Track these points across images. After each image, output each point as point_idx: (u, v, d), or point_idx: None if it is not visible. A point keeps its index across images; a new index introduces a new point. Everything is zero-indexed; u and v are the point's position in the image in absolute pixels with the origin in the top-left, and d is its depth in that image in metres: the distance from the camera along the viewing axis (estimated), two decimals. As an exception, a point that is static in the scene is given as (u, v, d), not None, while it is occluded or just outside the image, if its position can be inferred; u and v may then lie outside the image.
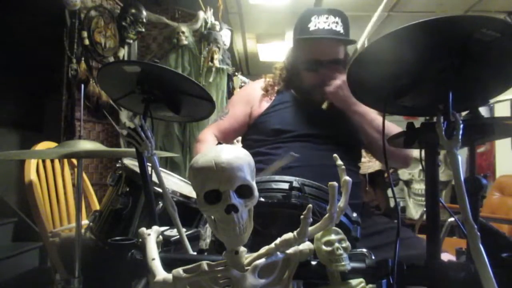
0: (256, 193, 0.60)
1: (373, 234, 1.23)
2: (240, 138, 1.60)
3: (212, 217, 0.60)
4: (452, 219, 1.89)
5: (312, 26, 1.37)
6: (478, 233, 0.59)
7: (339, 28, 1.36)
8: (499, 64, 0.69)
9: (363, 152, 1.59)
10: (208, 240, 1.16)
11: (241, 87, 3.96)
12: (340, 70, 1.40)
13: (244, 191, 0.59)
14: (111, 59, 3.06)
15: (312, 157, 1.31)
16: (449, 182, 3.87)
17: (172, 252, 0.88)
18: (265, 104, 1.48)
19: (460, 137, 0.63)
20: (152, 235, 0.70)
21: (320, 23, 1.36)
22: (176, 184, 1.56)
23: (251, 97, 1.52)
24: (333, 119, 1.41)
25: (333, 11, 1.37)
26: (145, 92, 0.93)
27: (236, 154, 0.59)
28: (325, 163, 1.27)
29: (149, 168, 0.94)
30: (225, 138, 1.51)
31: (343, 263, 0.62)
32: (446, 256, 1.01)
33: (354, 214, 0.87)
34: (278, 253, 0.62)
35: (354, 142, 1.43)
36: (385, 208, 3.34)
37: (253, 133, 1.47)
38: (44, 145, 1.67)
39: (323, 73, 1.39)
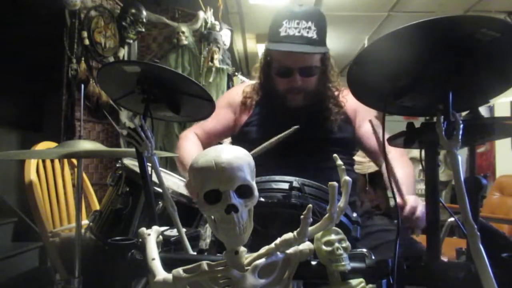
0: (256, 193, 0.60)
1: (369, 234, 1.23)
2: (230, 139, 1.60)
3: (212, 217, 0.60)
4: (452, 219, 1.89)
5: (282, 32, 1.29)
6: (478, 233, 0.59)
7: (312, 34, 1.28)
8: (499, 64, 0.69)
9: (363, 152, 1.58)
10: (208, 240, 1.16)
11: (241, 87, 3.95)
12: (313, 76, 1.36)
13: (244, 191, 0.59)
14: (111, 59, 3.07)
15: (301, 162, 1.29)
16: (449, 182, 3.87)
17: (172, 252, 0.88)
18: (245, 116, 1.46)
19: (460, 137, 0.63)
20: (152, 235, 0.70)
21: (291, 28, 1.28)
22: (176, 184, 1.56)
23: (235, 103, 1.50)
24: (315, 120, 1.38)
25: (307, 15, 1.29)
26: (145, 92, 0.93)
27: (236, 154, 0.59)
28: (316, 166, 1.26)
29: (149, 168, 0.94)
30: (209, 138, 1.49)
31: (343, 263, 0.62)
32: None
33: (354, 214, 0.87)
34: (278, 253, 0.62)
35: (340, 139, 1.40)
36: (385, 208, 3.34)
37: (237, 144, 1.43)
38: (44, 145, 1.67)
39: (293, 81, 1.34)
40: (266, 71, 1.44)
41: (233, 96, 1.56)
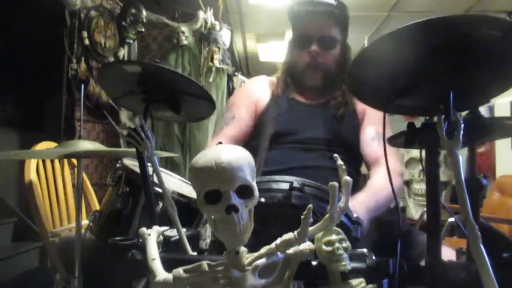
0: (257, 193, 0.60)
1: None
2: None
3: (213, 217, 0.60)
4: (452, 219, 1.89)
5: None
6: (479, 233, 0.59)
7: (333, 2, 1.33)
8: (499, 64, 0.69)
9: None
10: (208, 240, 1.16)
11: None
12: (332, 50, 1.36)
13: (245, 191, 0.58)
14: (111, 59, 3.07)
15: (306, 160, 1.28)
16: (449, 182, 3.87)
17: (172, 252, 0.88)
18: (261, 108, 1.45)
19: (461, 137, 0.62)
20: (152, 235, 0.70)
21: None
22: (176, 184, 1.56)
23: (254, 96, 1.49)
24: (328, 120, 1.37)
25: None
26: (145, 92, 0.93)
27: (236, 154, 0.58)
28: (320, 165, 1.25)
29: (149, 168, 0.93)
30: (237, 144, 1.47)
31: (343, 263, 0.62)
32: (446, 251, 1.01)
33: (355, 214, 0.87)
34: (279, 253, 0.62)
35: (350, 144, 1.38)
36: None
37: (252, 140, 1.44)
38: (44, 145, 1.67)
39: (312, 51, 1.35)
40: (289, 55, 1.45)
41: (249, 89, 1.54)
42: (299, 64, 1.40)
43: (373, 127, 1.38)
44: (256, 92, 1.50)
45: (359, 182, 1.42)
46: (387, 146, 1.36)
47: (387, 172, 0.76)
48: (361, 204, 1.08)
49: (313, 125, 1.37)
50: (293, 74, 1.44)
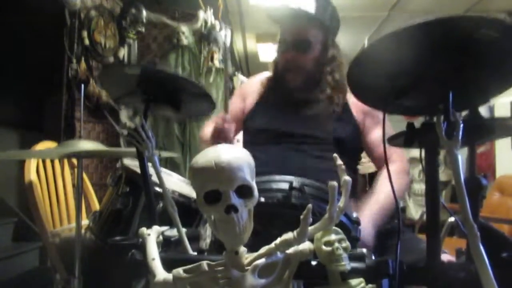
0: (256, 193, 0.60)
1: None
2: (240, 138, 1.59)
3: (212, 217, 0.60)
4: (452, 219, 1.89)
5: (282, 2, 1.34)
6: (478, 233, 0.59)
7: (309, 8, 1.29)
8: (499, 64, 0.69)
9: (371, 160, 1.54)
10: (208, 240, 1.16)
11: (241, 87, 3.95)
12: (309, 53, 1.34)
13: (244, 191, 0.59)
14: (111, 59, 3.07)
15: (299, 159, 1.27)
16: (449, 182, 3.87)
17: (172, 252, 0.88)
18: (251, 104, 1.47)
19: (460, 137, 0.62)
20: (152, 235, 0.70)
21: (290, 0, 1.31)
22: (176, 184, 1.56)
23: (246, 93, 1.52)
24: (321, 118, 1.35)
25: None
26: (145, 92, 0.93)
27: (235, 154, 0.59)
28: (316, 165, 1.24)
29: (150, 168, 0.93)
30: None
31: (342, 263, 0.62)
32: (445, 257, 1.01)
33: (354, 214, 0.87)
34: (278, 253, 0.62)
35: (344, 142, 1.34)
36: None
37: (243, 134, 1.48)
38: (44, 145, 1.67)
39: (289, 55, 1.35)
40: (275, 59, 1.46)
41: (245, 86, 1.59)
42: (280, 66, 1.41)
43: (381, 128, 1.36)
44: (249, 88, 1.53)
45: (357, 182, 1.42)
46: (395, 145, 1.37)
47: (392, 173, 0.77)
48: (368, 220, 1.12)
49: (302, 122, 1.35)
50: (278, 74, 1.45)
